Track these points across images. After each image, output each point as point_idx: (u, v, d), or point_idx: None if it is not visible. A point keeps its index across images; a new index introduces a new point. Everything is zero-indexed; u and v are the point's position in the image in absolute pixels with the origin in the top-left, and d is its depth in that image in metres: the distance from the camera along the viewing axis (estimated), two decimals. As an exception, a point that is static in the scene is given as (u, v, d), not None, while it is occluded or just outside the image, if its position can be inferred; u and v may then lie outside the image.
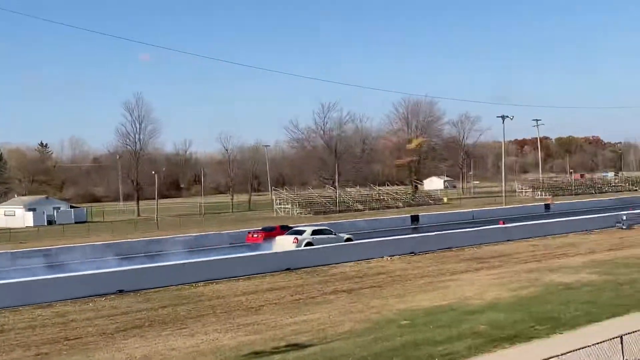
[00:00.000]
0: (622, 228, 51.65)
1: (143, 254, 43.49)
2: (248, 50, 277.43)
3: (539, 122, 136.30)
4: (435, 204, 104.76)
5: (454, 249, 42.51)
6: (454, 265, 35.48)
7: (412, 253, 40.81)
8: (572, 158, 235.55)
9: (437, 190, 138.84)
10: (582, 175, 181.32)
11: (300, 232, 45.47)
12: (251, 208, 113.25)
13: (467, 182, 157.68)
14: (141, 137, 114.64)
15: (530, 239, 46.54)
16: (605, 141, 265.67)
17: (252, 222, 75.99)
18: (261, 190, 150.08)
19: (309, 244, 43.42)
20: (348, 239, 45.61)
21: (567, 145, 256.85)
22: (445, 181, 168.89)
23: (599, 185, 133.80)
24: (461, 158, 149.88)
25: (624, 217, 53.75)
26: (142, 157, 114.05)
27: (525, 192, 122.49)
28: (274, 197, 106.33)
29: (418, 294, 26.80)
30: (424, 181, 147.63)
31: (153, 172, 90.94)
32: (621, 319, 19.74)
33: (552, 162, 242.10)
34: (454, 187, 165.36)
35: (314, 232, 45.28)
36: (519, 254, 39.54)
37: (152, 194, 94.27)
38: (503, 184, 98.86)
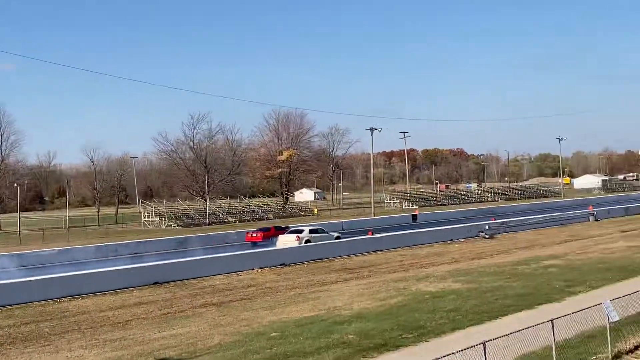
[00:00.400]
0: (485, 237, 53.37)
1: (1, 270, 41.57)
2: (117, 60, 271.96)
3: (406, 134, 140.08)
4: (305, 216, 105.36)
5: (324, 260, 42.72)
6: (324, 276, 35.64)
7: (283, 265, 40.74)
8: (438, 169, 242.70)
9: (307, 201, 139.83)
10: (447, 186, 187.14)
11: (300, 231, 50.98)
12: (118, 221, 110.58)
13: (337, 193, 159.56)
14: (2, 149, 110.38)
15: (398, 249, 47.40)
16: (469, 153, 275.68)
17: (119, 235, 74.16)
18: (129, 202, 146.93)
19: (307, 241, 48.72)
20: (337, 237, 51.41)
21: (433, 157, 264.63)
22: (315, 193, 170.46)
23: (463, 196, 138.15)
24: (331, 170, 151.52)
25: (487, 227, 55.61)
26: (3, 169, 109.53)
27: (394, 203, 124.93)
28: (142, 209, 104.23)
29: (288, 305, 26.72)
30: (295, 193, 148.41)
31: (15, 185, 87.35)
32: (484, 326, 20.28)
33: (418, 174, 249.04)
34: (324, 198, 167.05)
35: (311, 231, 50.91)
36: (388, 263, 40.15)
37: (14, 207, 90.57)
38: (372, 195, 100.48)
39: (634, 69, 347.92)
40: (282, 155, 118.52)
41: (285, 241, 49.51)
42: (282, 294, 30.14)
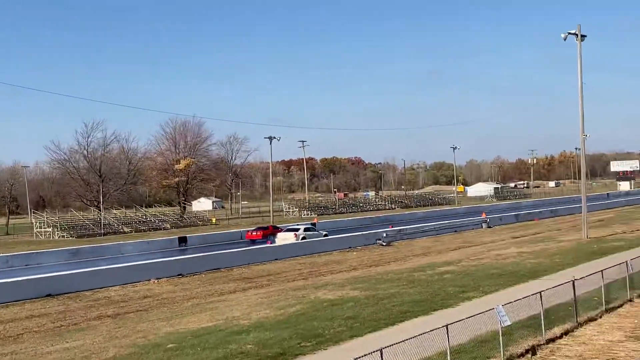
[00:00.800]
0: (382, 245, 54.06)
1: None
2: (6, 66, 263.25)
3: (304, 143, 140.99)
4: (203, 225, 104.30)
5: (222, 270, 42.45)
6: (222, 286, 35.39)
7: (180, 275, 40.25)
8: (336, 178, 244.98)
9: (205, 211, 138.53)
10: (345, 195, 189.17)
11: (297, 229, 57.45)
12: (9, 232, 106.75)
13: (235, 202, 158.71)
14: None
15: (297, 258, 47.50)
16: (367, 162, 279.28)
17: (10, 246, 71.74)
18: (20, 213, 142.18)
19: (303, 238, 54.85)
20: (325, 235, 57.49)
21: (332, 166, 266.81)
22: (214, 202, 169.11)
23: (361, 204, 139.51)
24: (230, 178, 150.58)
25: (384, 235, 56.37)
26: None
27: (293, 211, 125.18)
28: (34, 220, 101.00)
29: (186, 316, 26.36)
30: (193, 202, 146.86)
31: None
32: (382, 332, 20.46)
33: (317, 182, 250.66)
34: (223, 207, 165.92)
35: (306, 229, 57.81)
36: (287, 272, 40.18)
37: None
38: (271, 203, 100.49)
39: (521, 81, 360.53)
40: (179, 164, 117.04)
41: (284, 238, 55.77)
42: (179, 305, 29.76)
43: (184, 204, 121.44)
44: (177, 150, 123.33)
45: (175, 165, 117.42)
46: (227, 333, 22.02)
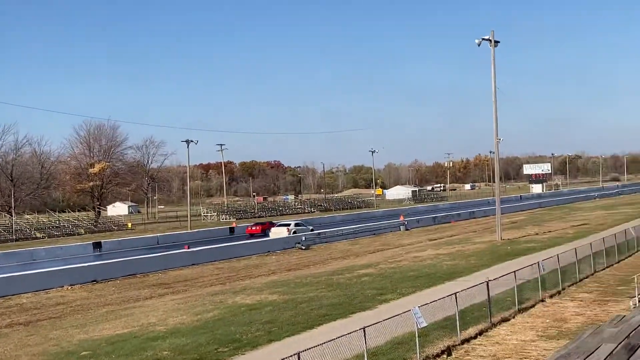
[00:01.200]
0: (301, 248, 54.02)
1: None
2: None
3: (223, 146, 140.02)
4: (119, 230, 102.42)
5: (138, 275, 41.77)
6: (138, 292, 34.80)
7: (95, 281, 39.40)
8: (256, 182, 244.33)
9: (121, 215, 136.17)
10: (264, 198, 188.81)
11: (288, 225, 64.06)
12: None
13: (152, 206, 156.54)
14: None
15: (215, 262, 47.08)
16: (286, 165, 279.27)
17: None
18: None
19: (294, 232, 60.66)
20: (312, 230, 62.59)
21: (251, 170, 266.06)
22: (129, 206, 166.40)
23: (281, 208, 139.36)
24: (146, 182, 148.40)
25: (303, 238, 56.37)
26: None
27: (211, 215, 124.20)
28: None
29: (100, 323, 25.77)
30: (108, 207, 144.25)
31: None
32: (300, 336, 20.38)
33: (236, 186, 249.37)
34: (139, 212, 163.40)
35: (296, 224, 64.67)
36: (205, 277, 39.77)
37: None
38: (188, 208, 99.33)
39: (438, 85, 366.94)
40: (93, 167, 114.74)
41: (278, 232, 61.71)
42: (93, 312, 29.11)
43: (99, 208, 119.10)
44: (91, 154, 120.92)
45: (90, 169, 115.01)
46: (142, 340, 21.62)
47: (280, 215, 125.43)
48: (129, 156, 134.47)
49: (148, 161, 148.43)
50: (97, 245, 63.90)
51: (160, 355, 19.22)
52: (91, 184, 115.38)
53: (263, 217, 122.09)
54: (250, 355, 18.77)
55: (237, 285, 34.47)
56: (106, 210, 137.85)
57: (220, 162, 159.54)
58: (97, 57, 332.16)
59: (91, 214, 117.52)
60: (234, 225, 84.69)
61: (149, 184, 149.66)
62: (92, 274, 40.36)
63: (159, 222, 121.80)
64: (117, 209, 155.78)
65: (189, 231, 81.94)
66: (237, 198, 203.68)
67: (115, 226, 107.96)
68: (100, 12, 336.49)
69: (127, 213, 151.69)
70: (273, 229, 64.19)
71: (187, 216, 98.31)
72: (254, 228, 72.66)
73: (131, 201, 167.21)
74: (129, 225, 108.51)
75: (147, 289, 35.96)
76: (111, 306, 30.53)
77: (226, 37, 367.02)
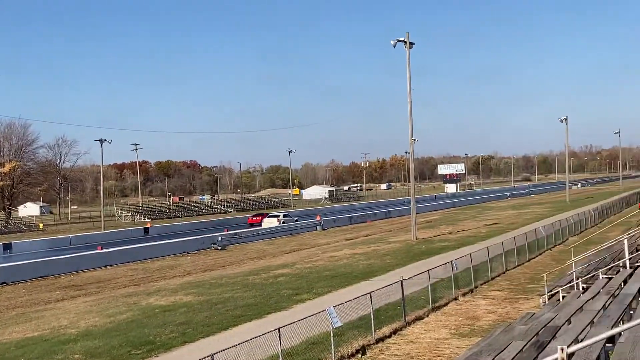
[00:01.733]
0: (217, 249, 53.65)
1: None
2: None
3: (137, 146, 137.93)
4: (30, 231, 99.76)
5: (50, 277, 40.82)
6: (49, 294, 33.99)
7: (4, 283, 38.35)
8: (171, 182, 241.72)
9: (32, 216, 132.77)
10: (180, 198, 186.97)
11: (278, 216, 73.91)
12: None
13: (64, 207, 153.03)
14: None
15: (129, 263, 46.36)
16: (203, 165, 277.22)
17: None
18: None
19: (283, 222, 70.47)
20: (296, 220, 72.85)
21: (166, 169, 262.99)
22: (41, 207, 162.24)
23: (197, 208, 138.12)
24: (58, 182, 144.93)
25: (219, 239, 56.01)
26: None
27: (125, 216, 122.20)
28: None
29: (9, 326, 25.09)
30: (19, 207, 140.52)
31: None
32: (215, 338, 20.23)
33: (151, 186, 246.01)
34: (51, 212, 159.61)
35: (284, 215, 74.66)
36: (118, 278, 39.11)
37: None
38: (102, 208, 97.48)
39: (354, 86, 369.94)
40: (3, 167, 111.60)
41: (269, 222, 70.73)
42: (2, 315, 28.37)
43: (9, 209, 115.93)
44: (1, 153, 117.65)
45: (0, 169, 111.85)
46: (53, 343, 21.13)
47: (196, 215, 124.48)
48: (40, 155, 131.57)
49: (60, 160, 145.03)
50: (8, 247, 62.09)
51: (72, 359, 18.82)
52: (1, 183, 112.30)
53: (179, 217, 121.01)
54: (163, 357, 18.54)
55: (152, 287, 34.01)
56: (17, 210, 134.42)
57: (135, 162, 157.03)
58: (6, 55, 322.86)
59: (1, 214, 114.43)
60: (148, 225, 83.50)
61: (61, 184, 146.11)
62: (2, 276, 39.21)
63: (72, 223, 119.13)
64: (29, 210, 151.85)
65: (103, 232, 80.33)
66: (152, 198, 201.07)
67: (26, 227, 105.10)
68: (16, 9, 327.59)
69: (38, 213, 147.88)
70: (265, 219, 73.04)
71: (100, 216, 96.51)
72: (254, 218, 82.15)
73: (43, 201, 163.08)
74: (41, 226, 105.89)
75: (59, 291, 35.16)
76: (21, 309, 29.75)
77: (144, 36, 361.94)
